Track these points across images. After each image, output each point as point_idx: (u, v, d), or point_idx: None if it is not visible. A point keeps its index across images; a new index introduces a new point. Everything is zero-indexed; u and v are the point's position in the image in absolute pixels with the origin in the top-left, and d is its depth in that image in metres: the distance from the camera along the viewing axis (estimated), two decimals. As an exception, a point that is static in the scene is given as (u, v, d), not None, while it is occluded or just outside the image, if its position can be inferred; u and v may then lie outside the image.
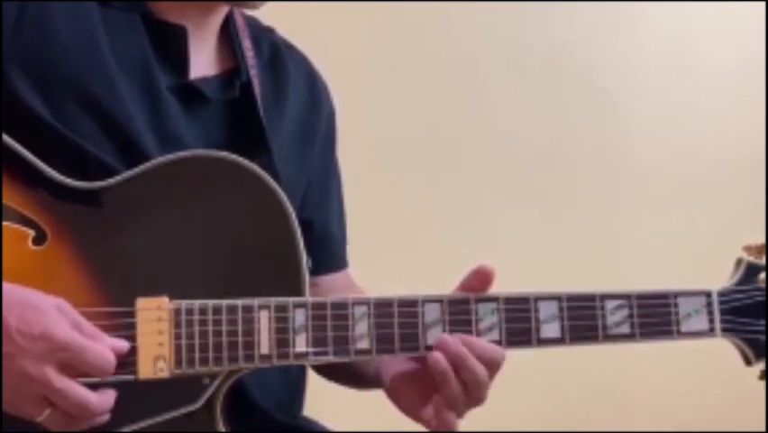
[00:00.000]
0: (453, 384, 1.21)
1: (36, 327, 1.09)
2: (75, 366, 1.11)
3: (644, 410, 2.68)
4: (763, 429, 2.43)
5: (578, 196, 2.68)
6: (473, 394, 1.22)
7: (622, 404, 2.68)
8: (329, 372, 1.47)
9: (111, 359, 1.13)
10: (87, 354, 1.11)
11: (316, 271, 1.40)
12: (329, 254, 1.51)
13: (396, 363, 1.31)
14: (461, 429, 1.25)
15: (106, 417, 1.15)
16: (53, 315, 1.11)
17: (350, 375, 1.44)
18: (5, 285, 1.12)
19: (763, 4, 2.76)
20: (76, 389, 1.11)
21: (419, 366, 1.27)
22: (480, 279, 1.24)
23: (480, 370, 1.21)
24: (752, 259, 1.27)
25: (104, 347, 1.13)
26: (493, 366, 1.22)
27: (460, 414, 1.24)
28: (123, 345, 1.16)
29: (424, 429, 1.30)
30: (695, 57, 2.78)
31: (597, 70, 2.72)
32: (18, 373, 1.09)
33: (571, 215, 2.66)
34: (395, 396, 1.31)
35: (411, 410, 1.29)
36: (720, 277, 1.28)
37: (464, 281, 1.25)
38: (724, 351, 1.32)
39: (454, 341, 1.21)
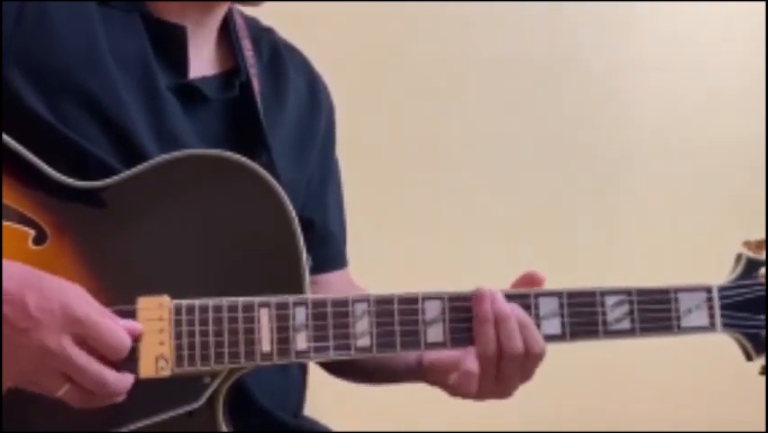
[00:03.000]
0: (490, 334, 1.21)
1: (55, 300, 1.10)
2: (90, 343, 1.11)
3: (644, 410, 2.68)
4: (763, 429, 2.42)
5: (578, 195, 2.68)
6: (504, 367, 1.22)
7: (622, 404, 2.67)
8: (356, 373, 1.49)
9: (126, 340, 1.13)
10: (104, 334, 1.12)
11: (316, 269, 1.40)
12: (329, 253, 1.51)
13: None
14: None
15: (122, 396, 1.14)
16: (72, 291, 1.12)
17: (376, 371, 1.45)
18: (21, 267, 1.13)
19: (763, 4, 2.76)
20: (94, 364, 1.11)
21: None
22: (528, 284, 1.26)
23: (517, 336, 1.21)
24: (751, 254, 1.27)
25: (120, 328, 1.14)
26: (530, 349, 1.22)
27: (491, 389, 1.24)
28: (137, 326, 1.16)
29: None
30: (695, 57, 2.77)
31: (597, 70, 2.71)
32: (37, 347, 1.09)
33: (571, 214, 2.66)
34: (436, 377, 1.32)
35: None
36: (720, 276, 1.28)
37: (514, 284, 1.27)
38: (723, 351, 1.32)
39: (504, 301, 1.22)
